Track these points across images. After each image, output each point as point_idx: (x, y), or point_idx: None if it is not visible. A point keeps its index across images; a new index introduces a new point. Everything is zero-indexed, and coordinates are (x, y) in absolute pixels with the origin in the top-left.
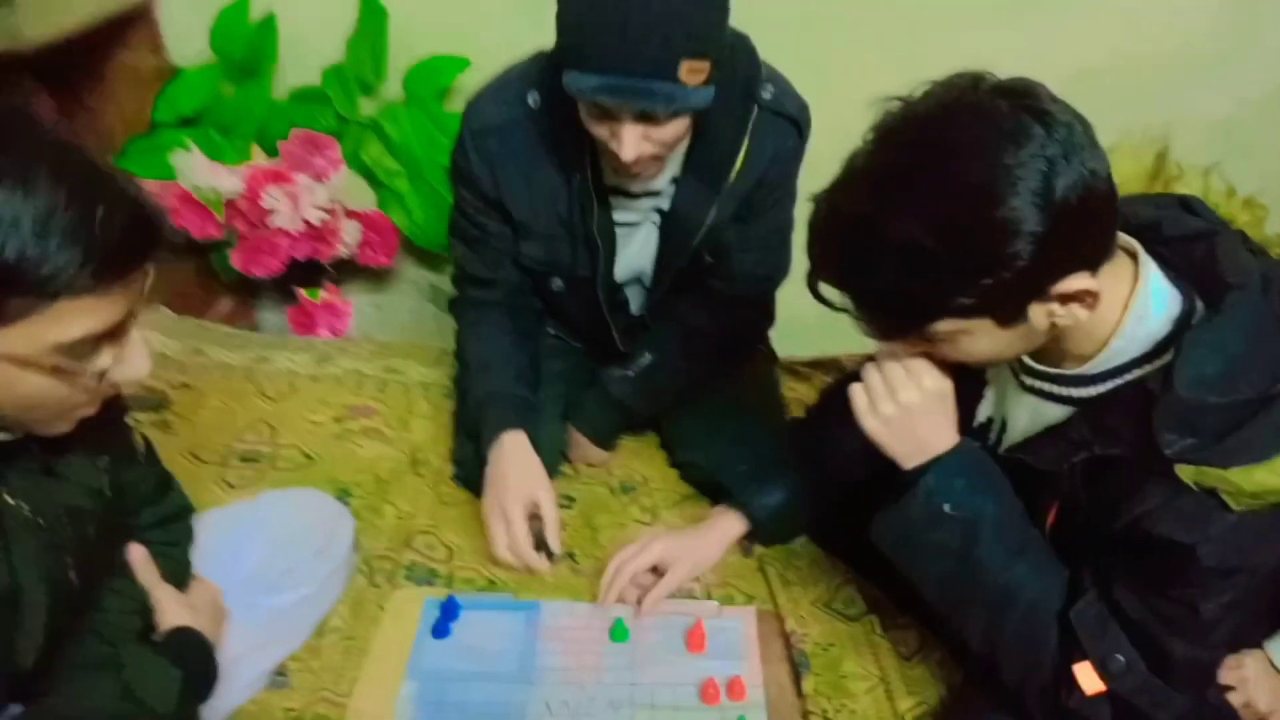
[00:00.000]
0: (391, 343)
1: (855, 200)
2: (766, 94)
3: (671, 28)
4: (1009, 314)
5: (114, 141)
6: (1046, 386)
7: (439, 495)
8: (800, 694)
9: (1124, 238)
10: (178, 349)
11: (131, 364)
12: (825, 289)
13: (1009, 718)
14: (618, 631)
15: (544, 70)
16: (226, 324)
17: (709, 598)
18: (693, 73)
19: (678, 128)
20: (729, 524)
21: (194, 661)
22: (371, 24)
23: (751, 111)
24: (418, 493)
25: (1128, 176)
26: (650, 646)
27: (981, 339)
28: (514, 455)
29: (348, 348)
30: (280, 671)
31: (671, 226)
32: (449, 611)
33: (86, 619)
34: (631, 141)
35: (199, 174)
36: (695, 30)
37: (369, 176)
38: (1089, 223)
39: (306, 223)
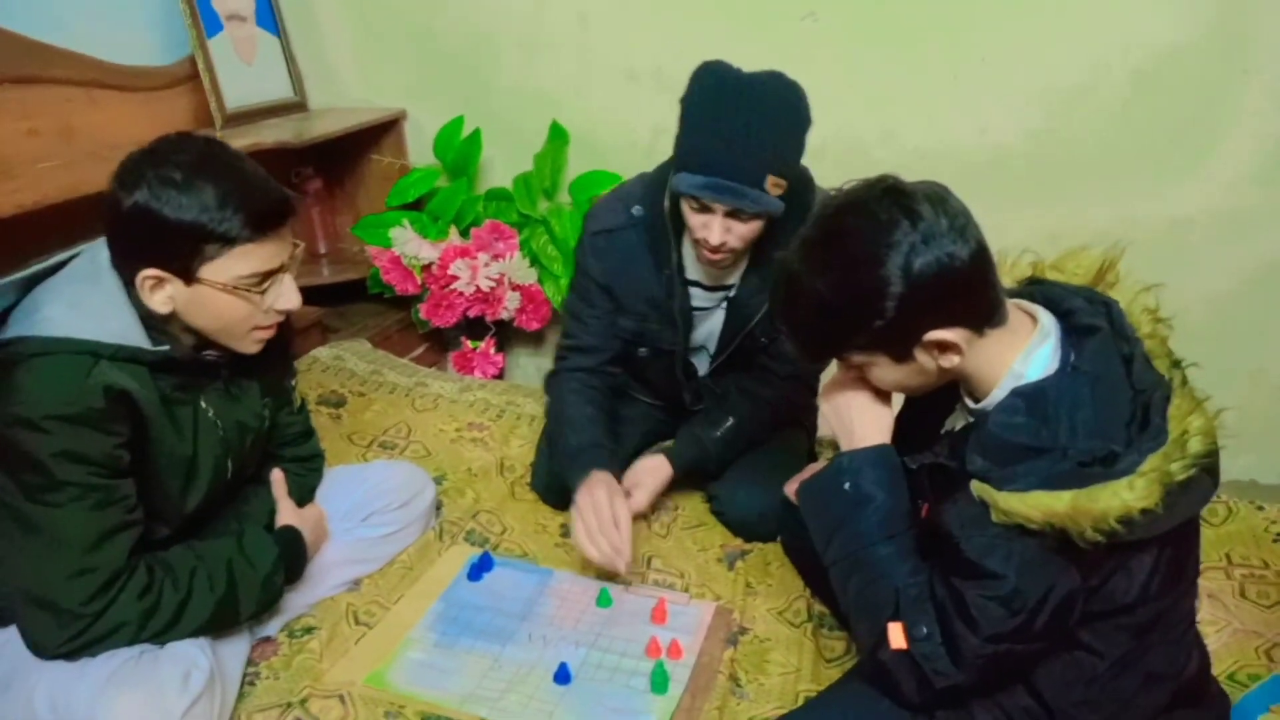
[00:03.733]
0: (518, 385)
1: (791, 260)
2: None
3: (764, 149)
4: (897, 353)
5: (355, 213)
6: (965, 412)
7: (512, 492)
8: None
9: (1034, 309)
10: (364, 369)
11: (286, 296)
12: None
13: (865, 689)
14: (603, 598)
15: (647, 189)
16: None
17: (686, 592)
18: (774, 186)
19: (754, 228)
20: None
21: (290, 549)
22: (556, 145)
23: None
24: (496, 487)
25: (1084, 271)
26: (624, 613)
27: (886, 370)
28: (601, 482)
29: (486, 385)
30: (356, 582)
31: (735, 310)
32: (484, 563)
33: (232, 507)
34: (718, 230)
35: (408, 245)
36: (780, 154)
37: (534, 259)
38: (947, 293)
39: (479, 289)
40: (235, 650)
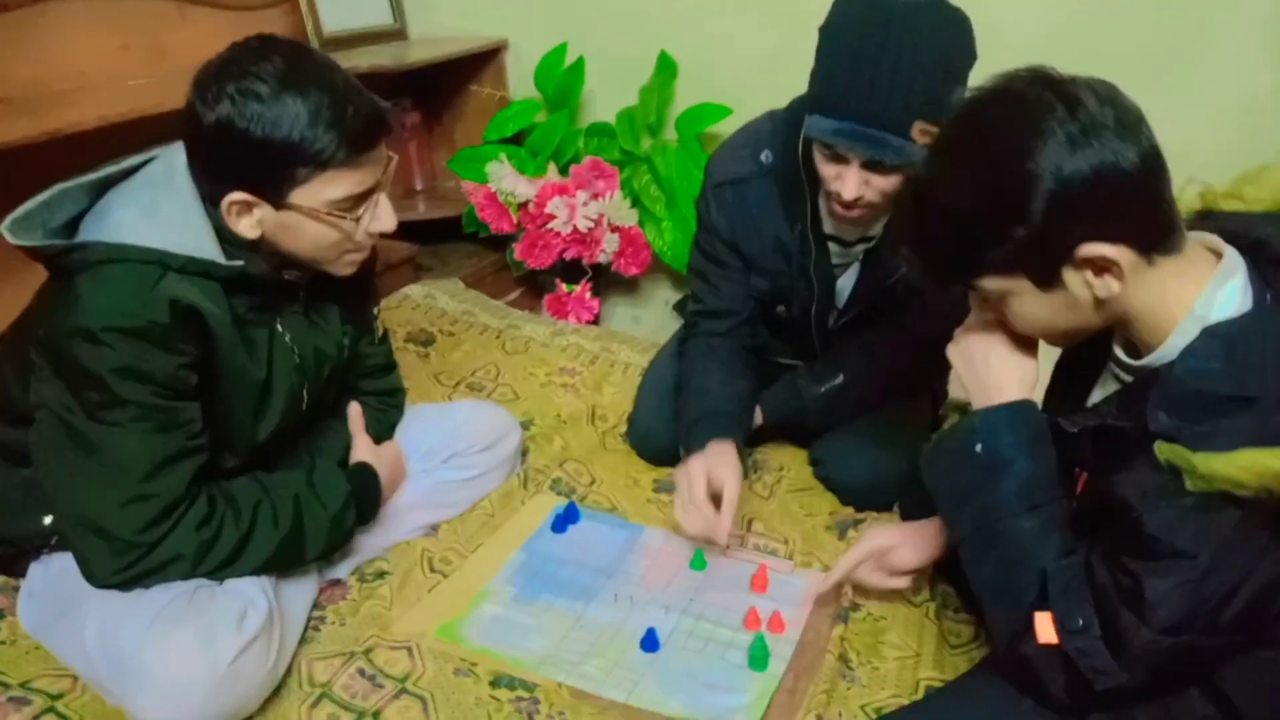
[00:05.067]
0: (614, 331)
1: (919, 170)
2: None
3: (914, 90)
4: (1043, 275)
5: (453, 148)
6: (1119, 371)
7: (603, 442)
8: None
9: (1216, 243)
10: (455, 309)
11: (382, 219)
12: (904, 251)
13: (1002, 686)
14: (697, 561)
15: (776, 131)
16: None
17: (791, 560)
18: (923, 134)
19: (896, 181)
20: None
21: (363, 488)
22: (664, 77)
23: None
24: (587, 436)
25: (1269, 194)
26: (720, 578)
27: (1029, 302)
28: (717, 450)
29: (581, 330)
30: (433, 527)
31: (871, 266)
32: (570, 514)
33: (306, 441)
34: (854, 183)
35: (505, 181)
36: (933, 96)
37: (635, 200)
38: (1107, 197)
39: (577, 229)
40: (301, 592)
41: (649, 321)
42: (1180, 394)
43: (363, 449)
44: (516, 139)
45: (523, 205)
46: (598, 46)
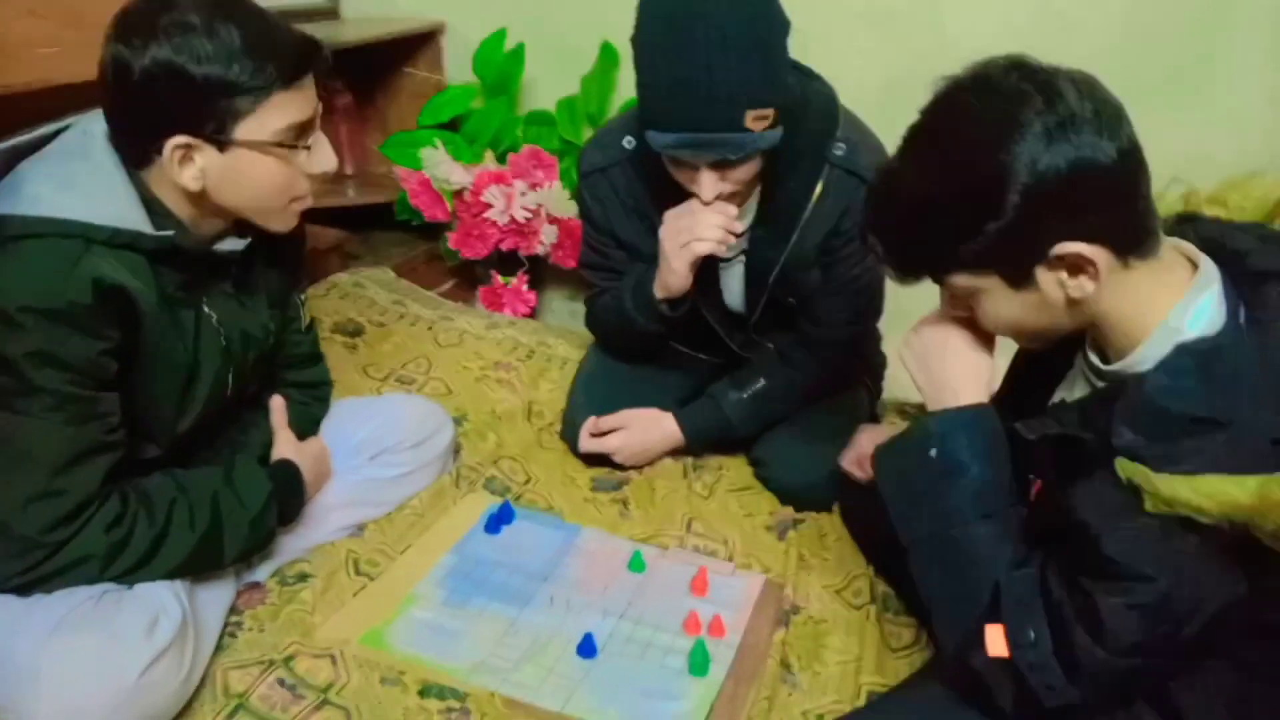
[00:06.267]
0: (551, 325)
1: (891, 158)
2: (838, 151)
3: (734, 86)
4: (1016, 273)
5: (385, 132)
6: (1090, 375)
7: (539, 440)
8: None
9: (1192, 252)
10: (386, 298)
11: (324, 156)
12: (872, 241)
13: (947, 694)
14: (635, 562)
15: (638, 118)
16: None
17: (731, 561)
18: (757, 120)
19: (751, 168)
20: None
21: (285, 486)
22: (606, 66)
23: (821, 168)
24: (523, 432)
25: (1254, 204)
26: (659, 581)
27: (998, 300)
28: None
29: (516, 323)
30: (359, 527)
31: (750, 267)
32: (504, 515)
33: (226, 436)
34: (709, 185)
35: (440, 167)
36: (756, 83)
37: (575, 192)
38: (1084, 194)
39: (514, 219)
40: (217, 596)
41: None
42: (1148, 410)
43: (285, 445)
44: (452, 125)
45: (458, 193)
46: (538, 33)
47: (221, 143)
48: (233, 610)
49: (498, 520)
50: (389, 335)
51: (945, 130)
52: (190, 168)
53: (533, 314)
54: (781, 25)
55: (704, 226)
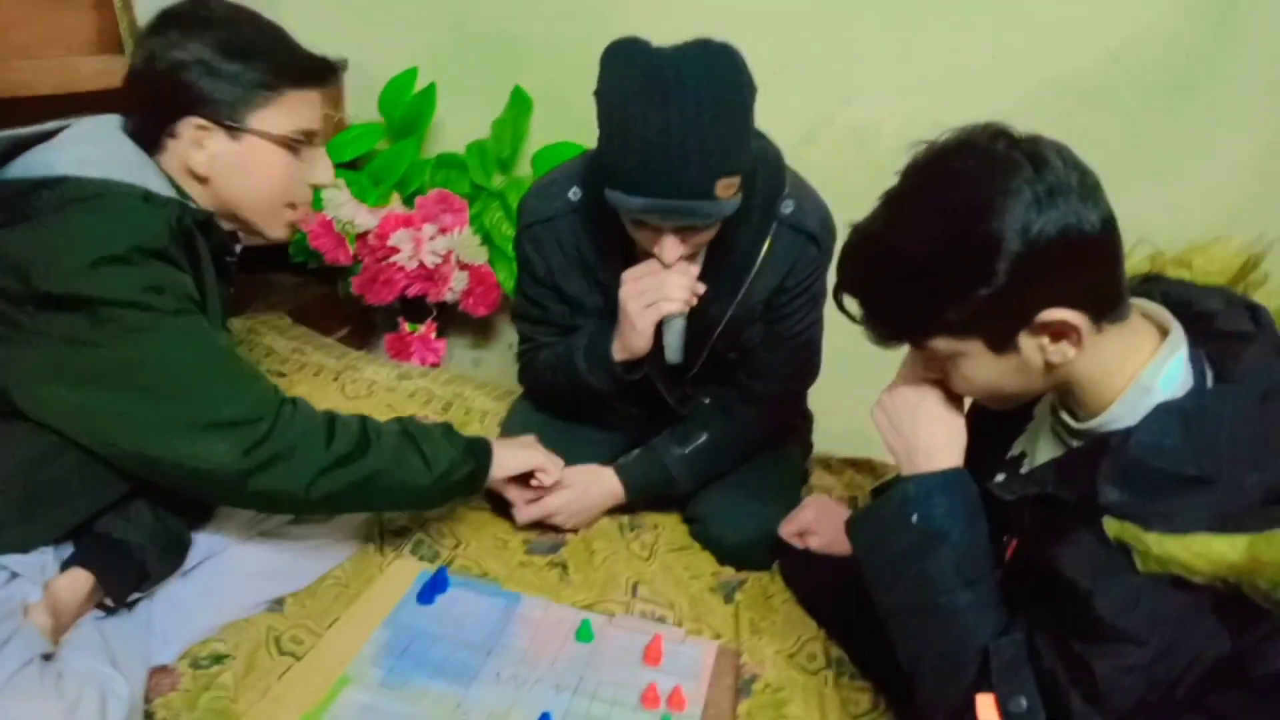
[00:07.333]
0: (467, 375)
1: (870, 219)
2: (786, 209)
3: (707, 154)
4: (999, 339)
5: None
6: (1060, 431)
7: (465, 501)
8: (735, 717)
9: (1162, 314)
10: (285, 346)
11: (323, 167)
12: (848, 302)
13: None
14: (583, 632)
15: (586, 169)
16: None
17: (681, 626)
18: (726, 188)
19: (713, 231)
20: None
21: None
22: (518, 112)
23: (770, 225)
24: None
25: (1218, 268)
26: (610, 651)
27: (979, 364)
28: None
29: (429, 373)
30: (277, 601)
31: (694, 320)
32: (438, 583)
33: None
34: (672, 248)
35: (343, 209)
36: (727, 152)
37: (486, 238)
38: (1071, 261)
39: (422, 265)
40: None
41: (491, 364)
42: (1135, 469)
43: None
44: (352, 164)
45: (361, 236)
46: (447, 73)
47: (235, 129)
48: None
49: (431, 589)
50: (290, 387)
51: (932, 195)
52: (201, 153)
53: (437, 365)
54: (751, 90)
55: (671, 287)
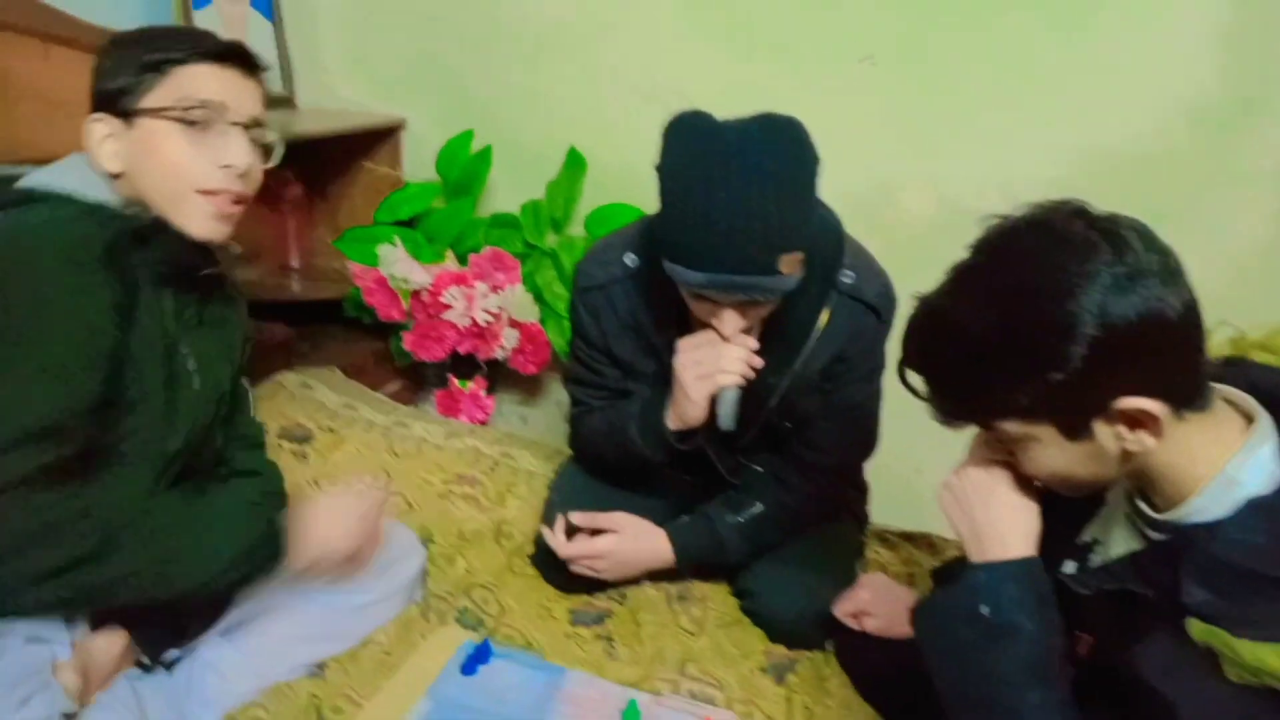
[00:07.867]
0: (515, 434)
1: (938, 295)
2: (846, 279)
3: (770, 230)
4: (1072, 425)
5: (335, 226)
6: (1137, 520)
7: (510, 564)
8: None
9: (1247, 401)
10: (335, 401)
11: (235, 149)
12: (912, 378)
13: None
14: (630, 712)
15: (642, 235)
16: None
17: (731, 710)
18: (789, 264)
19: (771, 305)
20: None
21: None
22: (572, 173)
23: (829, 294)
24: (492, 556)
25: None
26: None
27: (1051, 450)
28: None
29: (477, 431)
30: (320, 665)
31: (749, 389)
32: (481, 654)
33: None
34: (732, 322)
35: (398, 265)
36: (790, 228)
37: (538, 296)
38: (1150, 348)
39: (474, 321)
40: None
41: (538, 422)
42: (1222, 568)
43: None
44: (409, 223)
45: (415, 293)
46: (502, 136)
47: (127, 114)
48: None
49: (475, 660)
50: (340, 443)
51: (1006, 273)
52: (108, 147)
53: (485, 422)
54: (814, 162)
55: (728, 360)
